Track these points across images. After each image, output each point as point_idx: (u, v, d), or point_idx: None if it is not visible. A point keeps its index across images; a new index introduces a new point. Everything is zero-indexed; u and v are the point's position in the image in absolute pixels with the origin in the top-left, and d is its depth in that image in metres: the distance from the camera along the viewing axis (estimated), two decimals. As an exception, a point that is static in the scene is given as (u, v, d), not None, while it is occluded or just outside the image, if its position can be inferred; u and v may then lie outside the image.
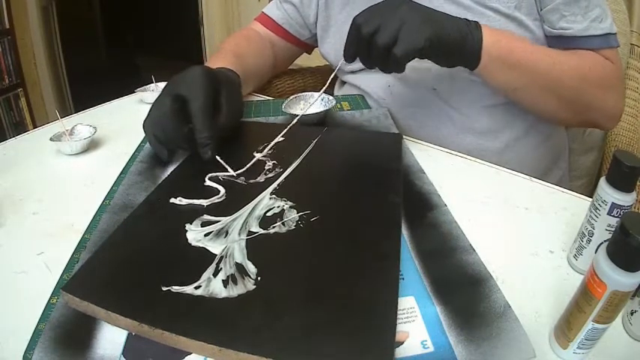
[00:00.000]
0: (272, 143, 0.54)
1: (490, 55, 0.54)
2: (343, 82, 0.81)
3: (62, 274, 0.38)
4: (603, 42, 0.59)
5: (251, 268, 0.35)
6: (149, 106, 0.74)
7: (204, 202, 0.44)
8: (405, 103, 0.69)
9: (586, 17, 0.59)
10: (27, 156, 0.59)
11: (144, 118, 0.53)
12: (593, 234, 0.36)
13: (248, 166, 0.49)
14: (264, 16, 0.82)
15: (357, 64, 0.74)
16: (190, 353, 0.30)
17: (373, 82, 0.72)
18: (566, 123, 0.67)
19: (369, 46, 0.49)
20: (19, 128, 2.00)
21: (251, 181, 0.48)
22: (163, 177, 0.50)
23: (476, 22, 0.54)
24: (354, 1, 0.72)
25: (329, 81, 0.59)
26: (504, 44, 0.55)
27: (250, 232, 0.39)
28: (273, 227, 0.40)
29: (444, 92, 0.66)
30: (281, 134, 0.55)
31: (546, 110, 0.62)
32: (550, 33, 0.61)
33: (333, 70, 0.61)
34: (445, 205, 0.45)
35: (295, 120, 0.57)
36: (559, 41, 0.61)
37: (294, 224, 0.40)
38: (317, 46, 0.86)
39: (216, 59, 0.66)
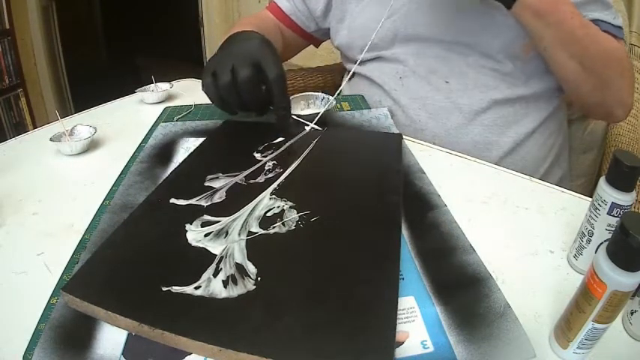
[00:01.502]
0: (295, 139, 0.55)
1: (527, 5, 0.57)
2: (352, 76, 0.81)
3: (62, 275, 0.38)
4: (619, 33, 0.62)
5: (251, 269, 0.35)
6: (149, 107, 0.74)
7: (204, 202, 0.44)
8: (415, 94, 0.69)
9: (600, 15, 0.61)
10: (27, 156, 0.59)
11: (203, 81, 0.55)
12: (593, 234, 0.36)
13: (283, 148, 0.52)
14: (274, 4, 0.84)
15: (367, 54, 0.74)
16: (190, 353, 0.31)
17: (384, 74, 0.72)
18: (584, 98, 0.68)
19: None
20: (19, 128, 2.00)
21: (251, 181, 0.48)
22: (163, 177, 0.50)
23: None
24: None
25: (356, 64, 0.65)
26: (546, 2, 0.57)
27: (250, 233, 0.39)
28: (273, 227, 0.40)
29: (456, 84, 0.67)
30: (295, 138, 0.56)
31: (569, 75, 0.63)
32: None
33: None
34: (445, 205, 0.45)
35: (318, 116, 0.59)
36: None
37: (294, 224, 0.40)
38: (323, 40, 0.88)
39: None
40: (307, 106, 0.65)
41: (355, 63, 0.78)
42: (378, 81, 0.73)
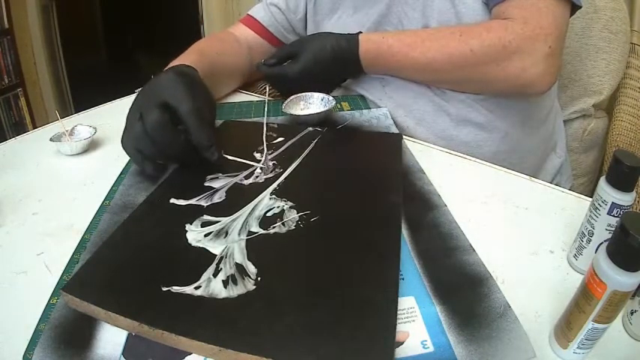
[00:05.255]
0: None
1: (368, 64, 0.65)
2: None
3: (62, 275, 0.38)
4: None
5: (251, 269, 0.35)
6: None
7: (204, 203, 0.44)
8: (400, 102, 0.69)
9: None
10: (27, 156, 0.59)
11: (121, 136, 0.49)
12: (593, 234, 0.36)
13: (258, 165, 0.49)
14: (250, 17, 0.81)
15: None
16: (190, 353, 0.31)
17: (367, 85, 0.72)
18: (489, 94, 0.65)
19: None
20: (19, 128, 2.00)
21: (251, 181, 0.48)
22: (163, 177, 0.50)
23: (355, 36, 0.64)
24: (342, 8, 0.73)
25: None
26: (383, 53, 0.63)
27: (250, 233, 0.39)
28: (273, 227, 0.40)
29: (439, 87, 0.66)
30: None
31: (453, 88, 0.65)
32: None
33: None
34: (445, 205, 0.45)
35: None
36: None
37: (294, 224, 0.40)
38: None
39: (179, 59, 0.64)
40: (307, 106, 0.65)
41: None
42: (362, 91, 0.72)
